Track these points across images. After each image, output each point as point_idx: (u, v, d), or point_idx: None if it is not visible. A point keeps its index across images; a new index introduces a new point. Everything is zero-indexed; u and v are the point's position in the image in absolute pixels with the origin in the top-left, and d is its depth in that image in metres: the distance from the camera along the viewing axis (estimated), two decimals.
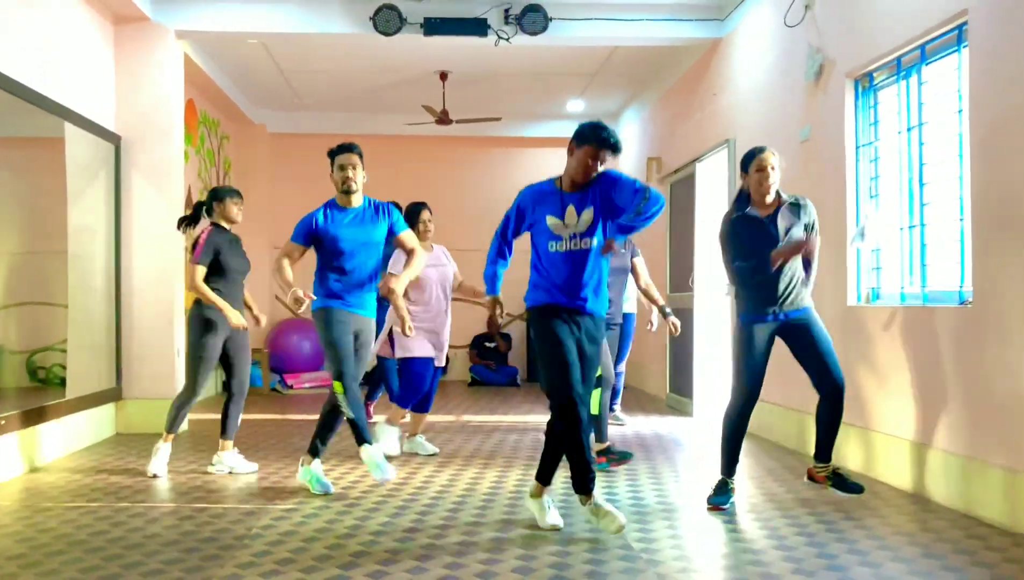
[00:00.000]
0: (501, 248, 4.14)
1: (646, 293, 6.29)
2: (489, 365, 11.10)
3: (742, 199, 4.35)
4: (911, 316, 4.70)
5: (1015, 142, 3.89)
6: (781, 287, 4.21)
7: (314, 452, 4.80)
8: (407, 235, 4.89)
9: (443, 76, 9.34)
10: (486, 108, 10.55)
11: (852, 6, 5.38)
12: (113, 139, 6.91)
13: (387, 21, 7.20)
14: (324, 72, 9.39)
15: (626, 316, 6.94)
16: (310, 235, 4.73)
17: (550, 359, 3.87)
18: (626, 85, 10.00)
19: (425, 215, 5.83)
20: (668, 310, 6.25)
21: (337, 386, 4.60)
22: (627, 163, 11.16)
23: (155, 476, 5.19)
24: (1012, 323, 3.87)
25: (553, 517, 3.98)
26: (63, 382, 6.13)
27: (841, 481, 4.30)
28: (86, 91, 6.49)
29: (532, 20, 7.26)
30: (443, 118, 9.55)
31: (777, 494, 4.64)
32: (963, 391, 4.23)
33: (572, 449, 3.87)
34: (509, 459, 5.74)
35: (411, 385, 5.72)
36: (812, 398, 4.27)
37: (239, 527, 4.02)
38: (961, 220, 4.43)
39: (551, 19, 7.30)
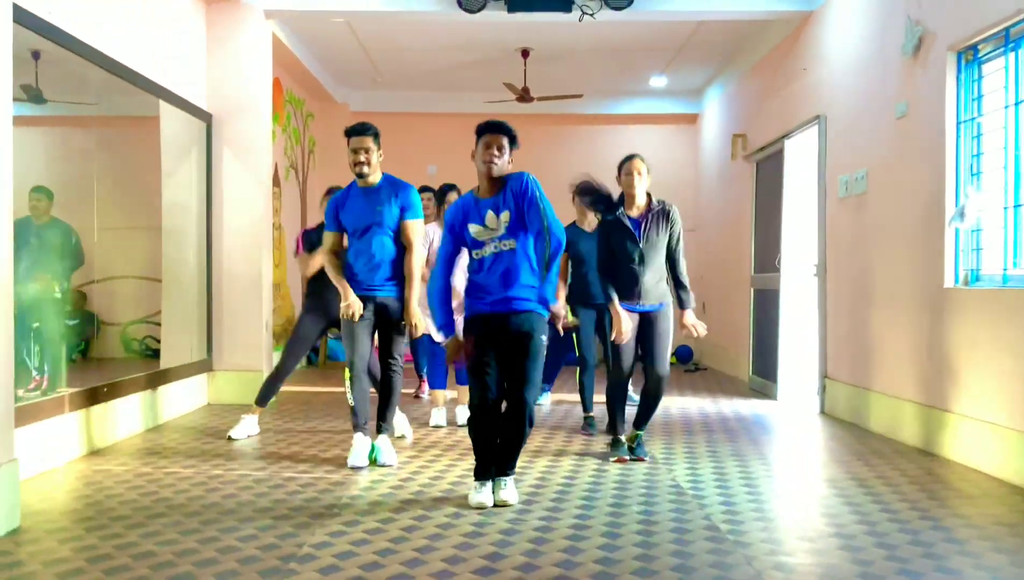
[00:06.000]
0: (447, 278, 4.16)
1: None
2: None
3: (621, 200, 4.91)
4: (1014, 299, 4.50)
5: None
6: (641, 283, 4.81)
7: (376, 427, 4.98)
8: (412, 224, 4.78)
9: (525, 53, 9.30)
10: (567, 85, 10.47)
11: None
12: (205, 117, 7.09)
13: None
14: (407, 50, 9.44)
15: None
16: (337, 219, 4.83)
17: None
18: (711, 60, 9.79)
19: (452, 197, 5.99)
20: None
21: (345, 371, 4.91)
22: (711, 141, 10.96)
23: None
24: None
25: None
26: (156, 354, 6.35)
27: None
28: (180, 70, 6.67)
29: None
30: (524, 96, 9.51)
31: (867, 478, 4.53)
32: None
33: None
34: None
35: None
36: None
37: (328, 496, 4.11)
38: None
39: None
